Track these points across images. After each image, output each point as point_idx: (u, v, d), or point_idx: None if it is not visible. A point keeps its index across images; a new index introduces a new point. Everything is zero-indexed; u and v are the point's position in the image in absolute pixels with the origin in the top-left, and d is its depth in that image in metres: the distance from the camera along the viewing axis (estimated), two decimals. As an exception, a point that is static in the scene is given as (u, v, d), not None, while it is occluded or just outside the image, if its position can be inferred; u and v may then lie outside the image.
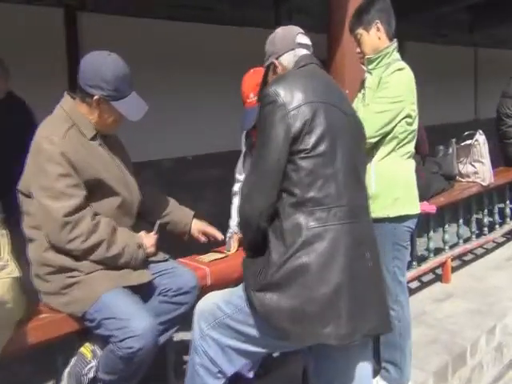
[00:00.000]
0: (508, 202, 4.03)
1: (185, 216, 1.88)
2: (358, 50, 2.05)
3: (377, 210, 1.96)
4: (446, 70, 9.36)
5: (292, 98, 1.42)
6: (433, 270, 3.40)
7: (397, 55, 2.03)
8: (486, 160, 3.41)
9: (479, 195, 3.60)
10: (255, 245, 1.51)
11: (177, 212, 1.87)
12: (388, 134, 1.96)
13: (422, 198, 2.87)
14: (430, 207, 2.84)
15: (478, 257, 3.82)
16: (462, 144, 3.46)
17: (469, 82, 10.60)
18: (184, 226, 1.87)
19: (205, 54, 5.41)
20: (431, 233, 3.20)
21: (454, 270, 3.54)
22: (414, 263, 3.09)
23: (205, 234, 1.92)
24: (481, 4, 8.43)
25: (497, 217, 3.91)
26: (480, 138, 3.40)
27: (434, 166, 3.18)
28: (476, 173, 3.44)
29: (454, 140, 3.47)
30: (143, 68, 3.72)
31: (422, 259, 3.23)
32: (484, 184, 3.44)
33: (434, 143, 3.45)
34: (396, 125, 1.95)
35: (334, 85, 1.59)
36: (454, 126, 7.56)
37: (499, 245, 4.12)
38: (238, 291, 1.52)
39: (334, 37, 2.62)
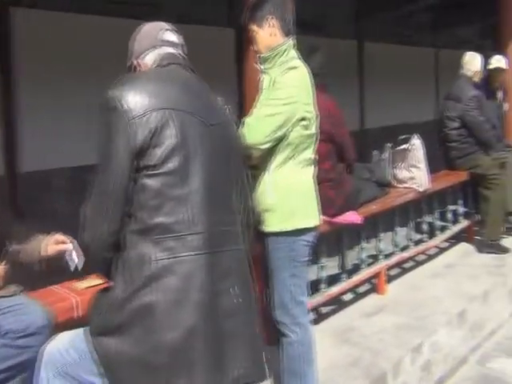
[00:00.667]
0: (449, 206, 3.92)
1: (39, 242, 1.63)
2: (252, 47, 1.86)
3: (273, 223, 1.82)
4: (406, 70, 9.33)
5: (137, 103, 1.20)
6: (369, 281, 3.24)
7: (293, 53, 1.85)
8: (423, 165, 3.27)
9: (417, 201, 3.47)
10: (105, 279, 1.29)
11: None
12: (282, 139, 1.78)
13: (349, 208, 2.74)
14: (355, 217, 2.67)
15: (418, 264, 3.69)
16: (398, 148, 3.32)
17: (430, 83, 10.62)
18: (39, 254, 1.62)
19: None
20: (364, 243, 3.04)
21: (393, 278, 3.39)
22: (344, 275, 2.92)
23: (56, 243, 1.63)
24: (441, 5, 8.46)
25: (438, 222, 3.80)
26: (416, 142, 3.26)
27: (365, 173, 3.02)
28: (412, 178, 3.30)
29: (389, 145, 3.32)
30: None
31: (354, 270, 3.07)
32: (420, 190, 3.30)
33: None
34: (290, 129, 1.77)
35: (199, 90, 1.37)
36: (414, 126, 7.49)
37: (442, 250, 4.02)
38: (85, 333, 1.29)
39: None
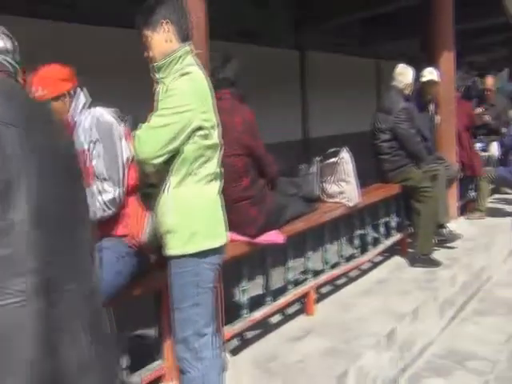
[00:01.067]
0: (382, 220, 3.86)
1: None
2: (147, 54, 1.66)
3: (175, 246, 1.65)
4: (349, 80, 9.41)
5: None
6: (298, 301, 3.09)
7: (190, 60, 1.66)
8: (352, 178, 3.16)
9: (348, 216, 3.36)
10: None
11: None
12: (178, 152, 1.59)
13: (272, 226, 2.56)
14: (278, 237, 2.50)
15: (350, 280, 3.58)
16: (327, 162, 3.19)
17: (372, 93, 10.79)
18: None
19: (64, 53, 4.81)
20: (290, 262, 2.88)
21: (323, 297, 3.26)
22: (269, 298, 2.74)
23: None
24: (381, 16, 8.59)
25: (370, 236, 3.71)
26: (345, 155, 3.15)
27: (291, 188, 2.86)
28: (342, 192, 3.18)
29: (317, 158, 3.20)
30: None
31: (281, 292, 2.90)
32: (350, 204, 3.19)
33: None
34: (186, 141, 1.58)
35: (30, 103, 1.14)
36: (355, 135, 7.51)
37: (375, 264, 3.94)
38: None
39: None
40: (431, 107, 4.48)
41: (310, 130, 9.15)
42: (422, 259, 3.77)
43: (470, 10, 8.92)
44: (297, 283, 2.99)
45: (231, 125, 2.20)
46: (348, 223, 3.45)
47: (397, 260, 4.01)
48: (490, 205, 5.72)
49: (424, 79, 4.31)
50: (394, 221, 3.94)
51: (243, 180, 2.34)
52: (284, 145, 8.38)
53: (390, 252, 4.12)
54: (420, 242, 3.79)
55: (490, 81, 5.85)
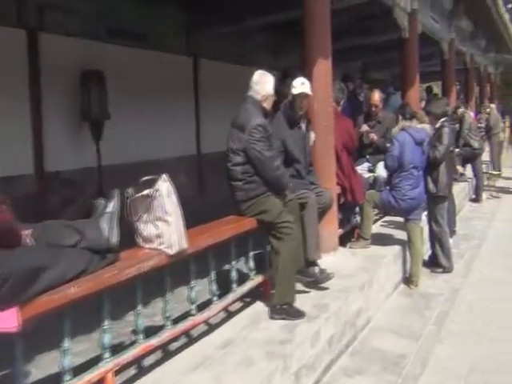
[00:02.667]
0: (233, 263, 3.11)
1: None
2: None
3: None
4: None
5: None
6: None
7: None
8: (173, 217, 2.35)
9: (172, 266, 2.54)
10: None
11: None
12: None
13: (7, 302, 1.67)
14: (9, 321, 1.61)
15: (185, 346, 2.77)
16: (138, 195, 2.37)
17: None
18: None
19: None
20: (66, 343, 2.00)
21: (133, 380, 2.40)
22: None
23: None
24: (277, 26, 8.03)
25: (214, 287, 2.93)
26: (163, 185, 2.34)
27: (69, 236, 2.00)
28: (159, 236, 2.37)
29: (129, 189, 2.37)
30: None
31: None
32: (170, 252, 2.38)
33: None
34: None
35: None
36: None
37: (230, 315, 3.18)
38: None
39: None
40: (303, 124, 3.85)
41: (202, 145, 8.36)
42: (282, 310, 3.06)
43: (367, 24, 8.74)
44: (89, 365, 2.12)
45: None
46: (178, 272, 2.63)
47: (256, 309, 3.26)
48: (379, 229, 5.26)
49: (295, 91, 3.67)
50: (248, 263, 3.21)
51: None
52: (180, 160, 7.54)
53: (252, 297, 3.39)
54: (278, 289, 3.08)
55: (376, 96, 5.41)
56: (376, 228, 5.16)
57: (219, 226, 3.00)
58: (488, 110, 10.93)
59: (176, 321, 2.61)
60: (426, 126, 4.62)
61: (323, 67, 4.17)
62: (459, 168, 6.36)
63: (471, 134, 8.39)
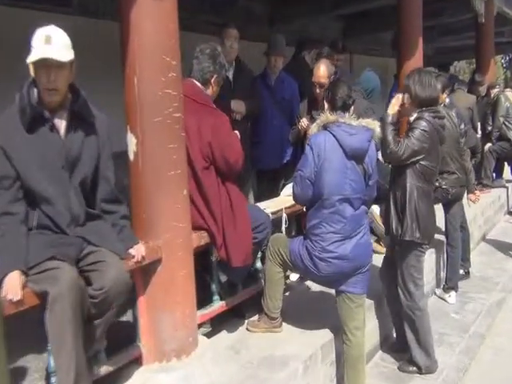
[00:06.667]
0: None
1: None
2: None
3: None
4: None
5: None
6: None
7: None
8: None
9: None
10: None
11: None
12: None
13: None
14: None
15: None
16: None
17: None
18: None
19: None
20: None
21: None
22: None
23: None
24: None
25: None
26: None
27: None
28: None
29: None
30: None
31: None
32: None
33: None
34: None
35: None
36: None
37: None
38: None
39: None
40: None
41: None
42: None
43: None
44: None
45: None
46: None
47: None
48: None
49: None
50: None
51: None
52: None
53: None
54: None
55: (321, 70, 3.30)
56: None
57: None
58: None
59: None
60: (372, 124, 2.42)
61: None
62: (477, 192, 3.87)
63: (508, 124, 6.02)
